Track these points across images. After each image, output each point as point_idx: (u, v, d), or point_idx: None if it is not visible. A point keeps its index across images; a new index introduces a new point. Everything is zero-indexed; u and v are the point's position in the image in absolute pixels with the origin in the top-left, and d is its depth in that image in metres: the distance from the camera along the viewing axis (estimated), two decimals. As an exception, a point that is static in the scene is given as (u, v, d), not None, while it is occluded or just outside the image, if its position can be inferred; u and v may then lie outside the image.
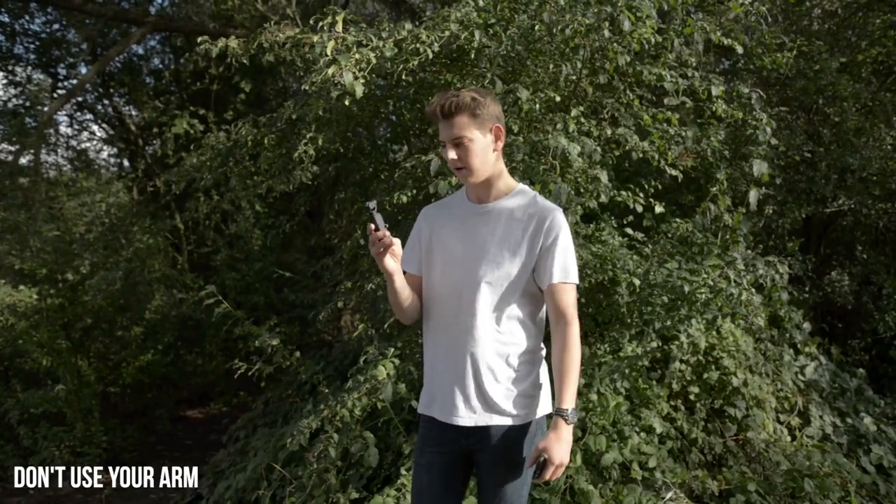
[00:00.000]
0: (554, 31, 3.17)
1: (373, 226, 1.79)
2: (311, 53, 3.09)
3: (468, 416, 1.91)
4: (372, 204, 1.79)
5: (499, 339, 1.92)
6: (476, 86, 3.55)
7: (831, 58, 4.72)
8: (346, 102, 3.14)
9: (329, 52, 2.95)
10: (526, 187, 2.03)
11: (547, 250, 1.89)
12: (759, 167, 3.55)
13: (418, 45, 3.19)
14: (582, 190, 3.25)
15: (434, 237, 2.02)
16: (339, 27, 3.03)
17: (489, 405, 1.90)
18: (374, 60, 3.04)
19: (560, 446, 1.76)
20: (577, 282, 1.94)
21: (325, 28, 3.11)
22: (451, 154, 1.86)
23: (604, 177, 3.21)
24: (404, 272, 2.01)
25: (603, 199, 3.29)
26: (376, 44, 3.06)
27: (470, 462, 2.01)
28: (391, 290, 1.90)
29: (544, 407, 1.99)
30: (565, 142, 3.02)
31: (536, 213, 1.92)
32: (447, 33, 3.28)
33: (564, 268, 1.89)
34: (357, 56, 2.96)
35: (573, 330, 1.87)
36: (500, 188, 1.97)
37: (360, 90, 2.94)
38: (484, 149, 1.88)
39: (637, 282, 3.30)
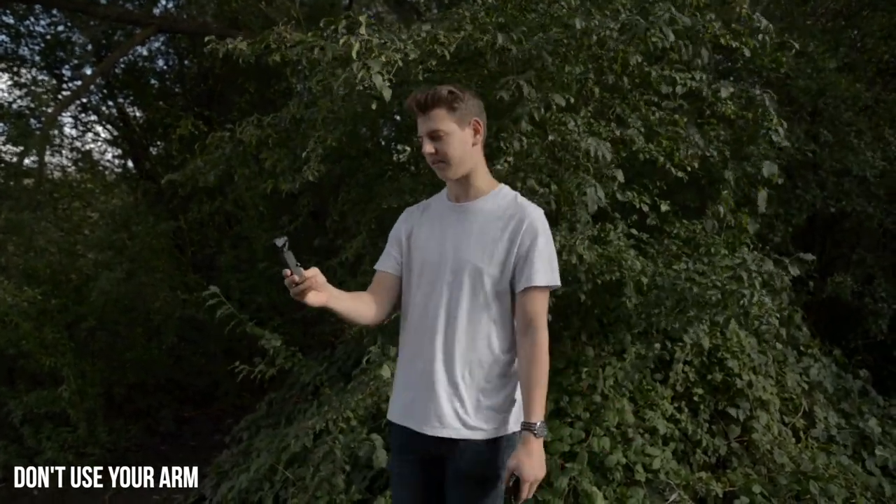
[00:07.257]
0: (584, 40, 3.13)
1: (287, 270, 1.60)
2: (320, 55, 3.05)
3: (438, 425, 1.83)
4: (280, 241, 1.59)
5: (472, 345, 1.83)
6: (483, 83, 3.56)
7: (832, 58, 4.69)
8: (373, 106, 3.11)
9: (355, 55, 2.90)
10: (507, 188, 1.96)
11: (525, 253, 1.81)
12: (769, 168, 3.51)
13: (435, 47, 3.17)
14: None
15: (412, 238, 1.97)
16: (363, 29, 2.99)
17: (458, 417, 1.82)
18: (399, 63, 3.00)
19: (531, 462, 1.70)
20: (558, 284, 1.85)
21: (341, 31, 3.06)
22: (429, 147, 1.81)
23: (620, 176, 3.19)
24: (377, 271, 1.98)
25: (619, 197, 3.28)
26: (399, 46, 3.02)
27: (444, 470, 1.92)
28: (338, 315, 1.79)
29: (516, 423, 1.87)
30: (595, 142, 2.99)
31: (516, 213, 1.84)
32: (462, 34, 3.26)
33: (541, 271, 1.80)
34: (384, 59, 2.93)
35: (542, 338, 1.78)
36: (480, 186, 1.91)
37: (388, 93, 2.90)
38: (462, 143, 1.83)
39: (645, 279, 3.27)
